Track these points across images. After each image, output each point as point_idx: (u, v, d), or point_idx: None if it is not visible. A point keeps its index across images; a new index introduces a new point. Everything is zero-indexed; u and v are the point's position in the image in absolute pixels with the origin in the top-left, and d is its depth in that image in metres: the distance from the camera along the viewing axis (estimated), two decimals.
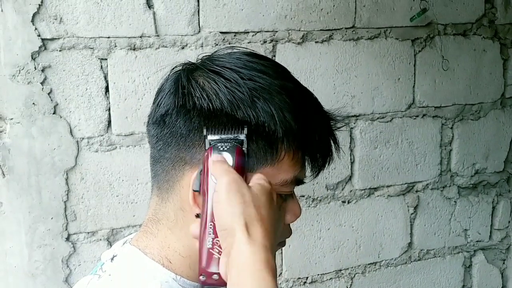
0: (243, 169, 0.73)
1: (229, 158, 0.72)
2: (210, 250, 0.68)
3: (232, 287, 0.63)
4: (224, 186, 0.69)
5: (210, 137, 0.74)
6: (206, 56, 0.82)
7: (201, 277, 0.67)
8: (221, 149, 0.72)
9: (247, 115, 0.73)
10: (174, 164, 0.77)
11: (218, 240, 0.68)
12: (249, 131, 0.73)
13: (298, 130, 0.75)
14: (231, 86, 0.74)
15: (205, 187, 0.71)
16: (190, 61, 0.82)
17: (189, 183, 0.76)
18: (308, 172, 0.82)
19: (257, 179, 0.72)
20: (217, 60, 0.79)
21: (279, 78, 0.77)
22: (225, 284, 0.65)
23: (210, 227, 0.69)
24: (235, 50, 0.81)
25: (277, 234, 0.71)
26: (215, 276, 0.67)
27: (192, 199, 0.74)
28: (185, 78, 0.77)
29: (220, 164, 0.71)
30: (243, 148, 0.73)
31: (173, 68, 0.82)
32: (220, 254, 0.67)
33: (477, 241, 2.08)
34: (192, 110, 0.75)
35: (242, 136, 0.73)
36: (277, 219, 0.71)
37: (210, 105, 0.74)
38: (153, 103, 0.82)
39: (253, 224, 0.66)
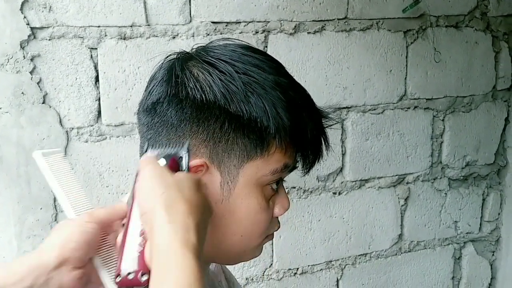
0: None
1: (162, 162, 0.69)
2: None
3: (155, 270, 0.61)
4: (145, 174, 0.67)
5: (150, 152, 0.72)
6: (200, 46, 0.81)
7: (116, 278, 0.63)
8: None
9: (240, 109, 0.73)
10: None
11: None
12: (189, 146, 0.71)
13: (290, 127, 0.75)
14: (225, 79, 0.74)
15: (133, 193, 0.68)
16: (184, 50, 0.81)
17: None
18: (299, 168, 0.82)
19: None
20: (212, 51, 0.78)
21: (273, 73, 0.77)
22: (139, 283, 0.62)
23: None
24: (230, 42, 0.80)
25: (207, 220, 0.67)
26: (130, 276, 0.63)
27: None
28: (179, 67, 0.77)
29: (147, 159, 0.70)
30: (183, 162, 0.70)
31: (167, 57, 0.81)
32: (139, 252, 0.64)
33: (467, 233, 2.09)
34: (185, 100, 0.74)
35: (182, 152, 0.71)
36: (207, 206, 0.68)
37: (203, 96, 0.73)
38: (145, 90, 0.81)
39: (175, 204, 0.63)
